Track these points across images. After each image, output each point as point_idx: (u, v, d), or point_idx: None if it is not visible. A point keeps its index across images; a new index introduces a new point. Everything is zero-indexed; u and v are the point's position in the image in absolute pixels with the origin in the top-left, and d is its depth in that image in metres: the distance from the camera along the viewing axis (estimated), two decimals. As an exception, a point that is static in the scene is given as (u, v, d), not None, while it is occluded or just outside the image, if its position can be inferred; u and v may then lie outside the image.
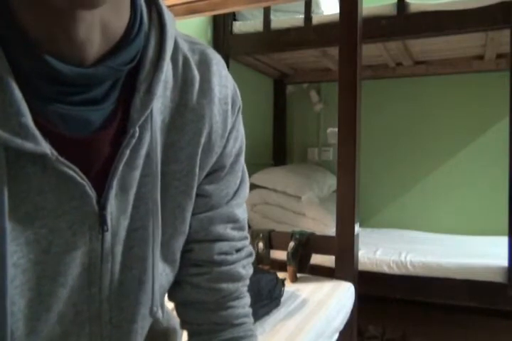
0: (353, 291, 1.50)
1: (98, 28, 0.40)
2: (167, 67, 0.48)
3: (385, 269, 2.08)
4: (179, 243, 0.55)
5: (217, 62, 0.55)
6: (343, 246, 1.54)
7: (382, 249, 2.23)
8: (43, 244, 0.42)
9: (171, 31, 0.48)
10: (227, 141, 0.56)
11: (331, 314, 1.29)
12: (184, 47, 0.52)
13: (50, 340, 0.46)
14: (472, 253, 2.13)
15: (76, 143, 0.42)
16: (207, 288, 0.58)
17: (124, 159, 0.45)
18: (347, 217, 1.54)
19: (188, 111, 0.50)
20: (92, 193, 0.43)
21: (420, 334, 2.03)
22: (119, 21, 0.43)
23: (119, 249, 0.48)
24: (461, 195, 2.78)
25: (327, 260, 1.78)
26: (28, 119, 0.38)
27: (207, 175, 0.56)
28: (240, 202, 0.61)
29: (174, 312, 0.64)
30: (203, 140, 0.52)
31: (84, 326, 0.48)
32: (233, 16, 2.41)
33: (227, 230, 0.59)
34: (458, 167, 2.79)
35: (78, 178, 0.42)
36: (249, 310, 0.62)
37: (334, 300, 1.35)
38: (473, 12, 1.89)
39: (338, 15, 1.58)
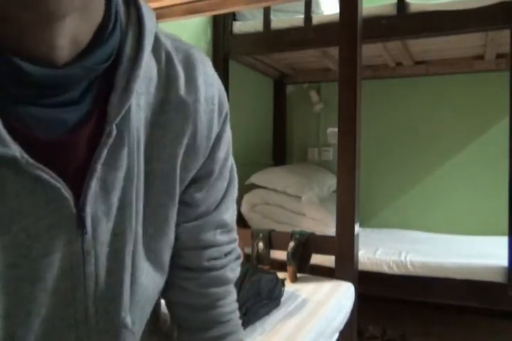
0: (353, 291, 1.50)
1: (67, 30, 0.40)
2: (149, 62, 0.47)
3: (385, 269, 2.08)
4: (163, 245, 0.54)
5: (202, 61, 0.54)
6: (343, 246, 1.54)
7: (382, 249, 2.23)
8: (22, 248, 0.41)
9: (149, 27, 0.47)
10: (216, 145, 0.55)
11: (331, 314, 1.28)
12: (167, 44, 0.51)
13: None
14: (472, 253, 2.13)
15: (50, 146, 0.41)
16: (196, 292, 0.59)
17: (102, 159, 0.43)
18: (347, 217, 1.54)
19: (171, 108, 0.50)
20: (68, 195, 0.42)
21: (420, 334, 2.03)
22: (89, 25, 0.42)
23: (103, 252, 0.46)
24: (461, 195, 2.78)
25: (327, 260, 1.78)
26: None
27: (195, 182, 0.55)
28: (229, 206, 0.61)
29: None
30: (185, 140, 0.51)
31: (71, 331, 0.47)
32: (233, 16, 2.40)
33: (216, 236, 0.60)
34: (458, 167, 2.79)
35: (52, 181, 0.41)
36: (235, 305, 0.63)
37: (334, 300, 1.35)
38: (473, 12, 1.89)
39: (338, 15, 1.58)
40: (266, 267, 1.62)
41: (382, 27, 2.02)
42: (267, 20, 2.27)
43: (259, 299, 1.19)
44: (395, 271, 2.06)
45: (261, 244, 1.68)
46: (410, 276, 2.04)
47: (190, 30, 2.20)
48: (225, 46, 2.35)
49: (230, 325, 0.61)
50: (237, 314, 0.63)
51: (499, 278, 1.90)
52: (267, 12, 2.27)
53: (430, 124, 2.84)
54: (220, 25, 2.35)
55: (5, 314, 0.42)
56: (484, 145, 2.71)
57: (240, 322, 0.63)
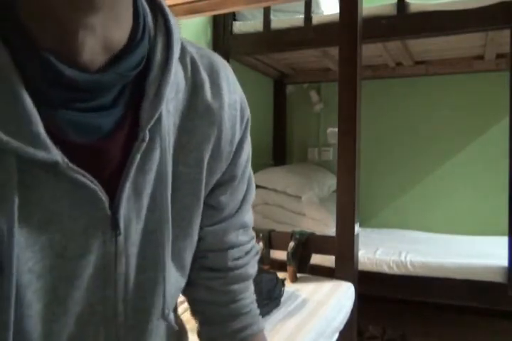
0: (353, 291, 1.50)
1: (99, 37, 0.41)
2: (176, 69, 0.48)
3: (385, 269, 2.08)
4: (186, 246, 0.55)
5: (224, 68, 0.55)
6: (343, 246, 1.54)
7: (382, 249, 2.24)
8: (58, 249, 0.42)
9: (176, 35, 0.49)
10: (238, 150, 0.58)
11: (331, 314, 1.29)
12: (192, 51, 0.53)
13: None
14: (472, 253, 2.13)
15: (86, 150, 0.43)
16: (220, 290, 0.62)
17: (135, 163, 0.45)
18: (347, 217, 1.54)
19: (198, 115, 0.51)
20: (103, 197, 0.44)
21: (420, 334, 2.03)
22: (121, 29, 0.43)
23: (133, 252, 0.48)
24: (461, 195, 2.78)
25: (327, 260, 1.78)
26: (40, 128, 0.38)
27: (220, 185, 0.58)
28: (248, 208, 0.65)
29: (182, 316, 0.66)
30: (211, 145, 0.53)
31: (100, 327, 0.48)
32: (233, 16, 2.41)
33: (239, 237, 0.63)
34: (458, 167, 2.79)
35: (89, 183, 0.42)
36: (254, 297, 0.67)
37: (334, 300, 1.35)
38: (473, 12, 1.89)
39: (338, 15, 1.58)
40: (266, 267, 1.62)
41: (382, 27, 2.02)
42: (267, 20, 2.27)
43: (259, 299, 1.18)
44: (395, 271, 2.06)
45: (261, 244, 1.68)
46: (410, 276, 2.04)
47: (190, 30, 2.20)
48: (225, 46, 2.35)
49: (250, 316, 0.64)
50: (255, 304, 0.66)
51: (499, 278, 1.90)
52: (267, 12, 2.27)
53: (430, 124, 2.84)
54: (220, 25, 2.35)
55: (44, 311, 0.44)
56: (484, 145, 2.71)
57: (258, 311, 0.66)
